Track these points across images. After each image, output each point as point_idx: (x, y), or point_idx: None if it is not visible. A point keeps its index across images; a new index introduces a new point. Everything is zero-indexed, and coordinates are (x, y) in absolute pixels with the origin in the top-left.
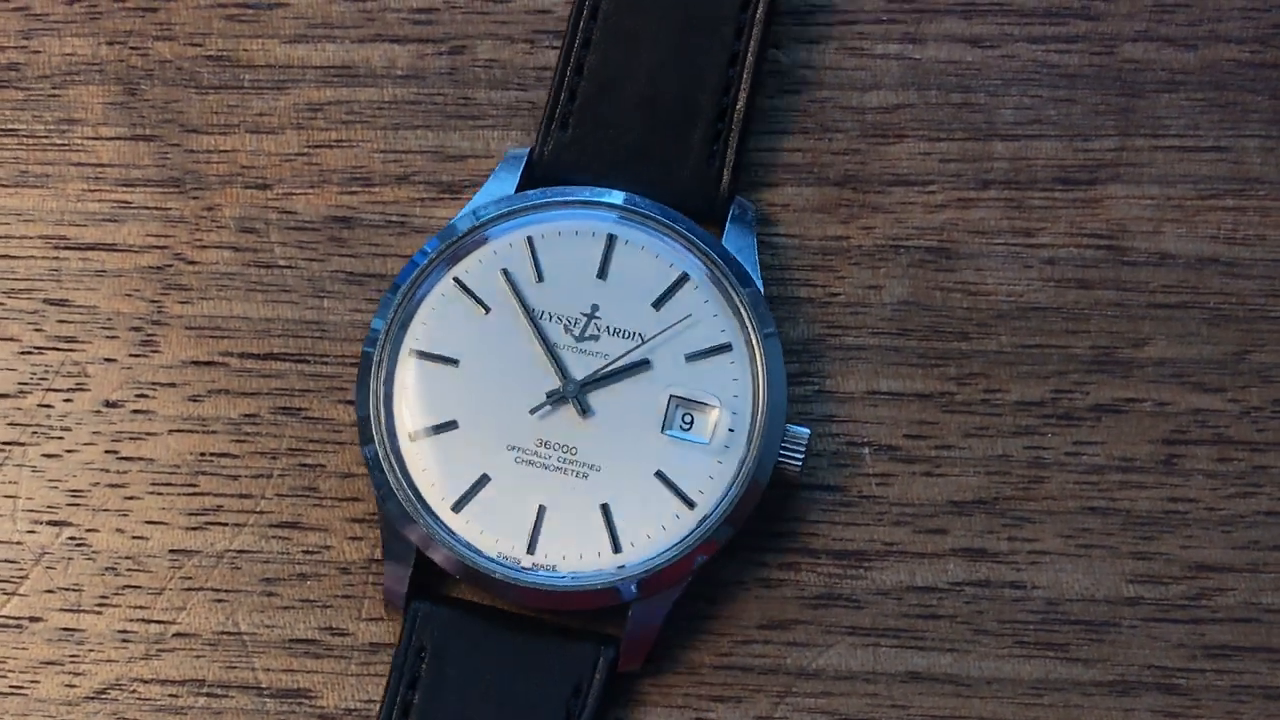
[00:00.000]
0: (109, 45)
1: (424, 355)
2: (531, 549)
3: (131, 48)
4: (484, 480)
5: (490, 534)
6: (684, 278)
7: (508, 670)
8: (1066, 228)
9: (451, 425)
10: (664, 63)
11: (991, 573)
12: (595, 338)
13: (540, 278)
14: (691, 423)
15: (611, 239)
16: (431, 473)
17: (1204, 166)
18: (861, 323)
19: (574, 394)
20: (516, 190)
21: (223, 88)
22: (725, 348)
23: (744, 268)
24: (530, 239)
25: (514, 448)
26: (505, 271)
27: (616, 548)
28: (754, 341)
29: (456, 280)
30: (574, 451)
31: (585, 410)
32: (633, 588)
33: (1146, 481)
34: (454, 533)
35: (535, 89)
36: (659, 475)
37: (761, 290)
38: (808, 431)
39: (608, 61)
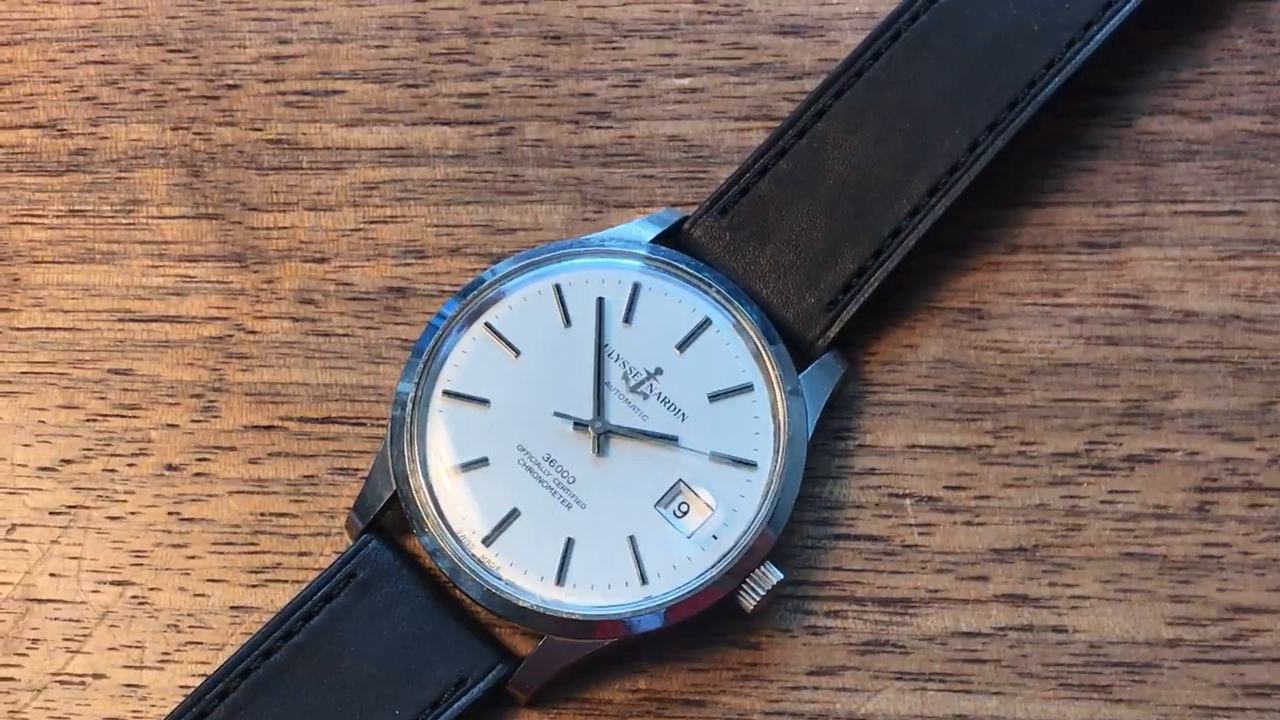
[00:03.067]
0: (173, 131)
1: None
2: (488, 542)
3: (195, 133)
4: (483, 461)
5: (462, 511)
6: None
7: (410, 633)
8: (1094, 288)
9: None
10: (837, 202)
11: (1034, 617)
12: (645, 396)
13: (628, 320)
14: (686, 512)
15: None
16: (443, 435)
17: (1223, 229)
18: (900, 380)
19: (599, 431)
20: (651, 241)
21: (282, 169)
22: (751, 464)
23: (804, 402)
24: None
25: (523, 449)
26: (600, 300)
27: (560, 581)
28: (778, 451)
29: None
30: (572, 480)
31: (601, 451)
32: (555, 623)
33: (1181, 528)
34: (439, 501)
35: (581, 165)
36: (630, 540)
37: (810, 434)
38: (781, 576)
39: (791, 178)
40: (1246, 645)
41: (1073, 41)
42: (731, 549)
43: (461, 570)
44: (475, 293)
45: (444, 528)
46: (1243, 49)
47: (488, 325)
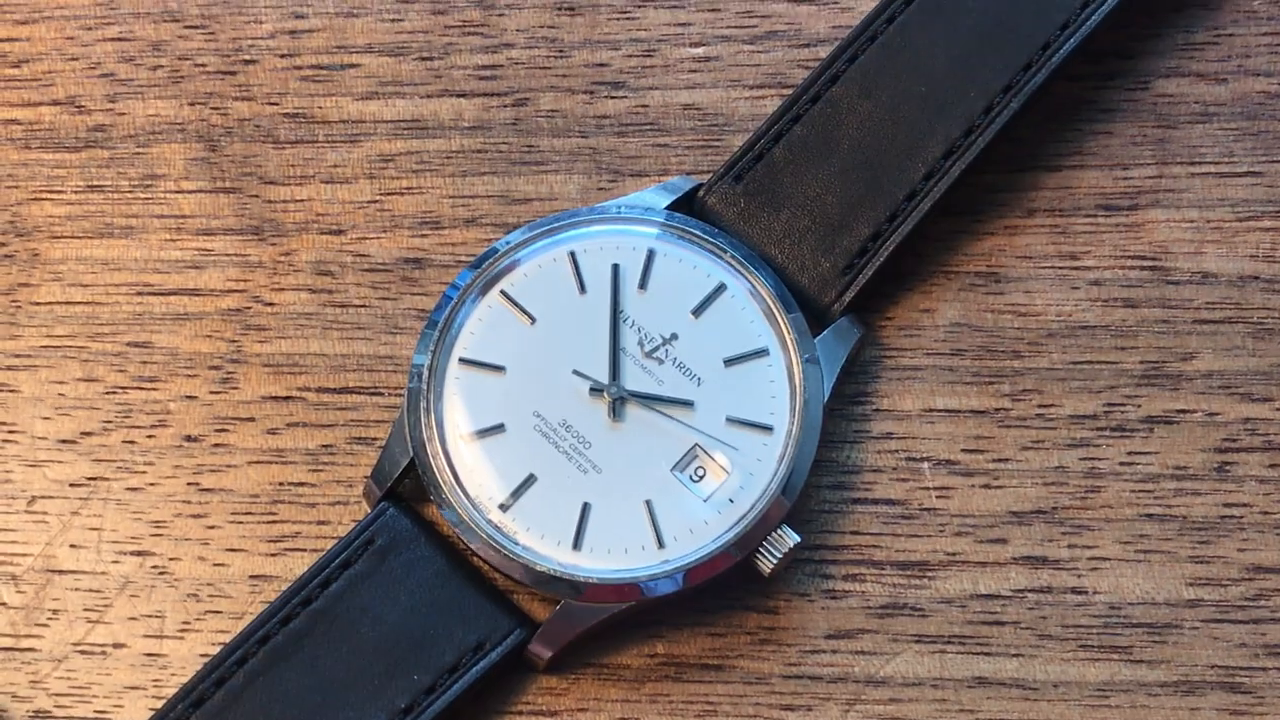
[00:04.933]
0: (190, 106)
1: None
2: (505, 508)
3: (212, 108)
4: (499, 427)
5: (479, 477)
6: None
7: (428, 599)
8: (1111, 251)
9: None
10: (852, 167)
11: (1053, 579)
12: (660, 361)
13: (643, 286)
14: (703, 477)
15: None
16: (458, 402)
17: (1240, 190)
18: (916, 344)
19: (614, 396)
20: (666, 208)
21: (299, 142)
22: (766, 428)
23: (820, 363)
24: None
25: (538, 415)
26: (615, 266)
27: (577, 545)
28: (794, 415)
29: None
30: (587, 445)
31: (617, 416)
32: (572, 587)
33: (1201, 488)
34: (455, 467)
35: (596, 135)
36: (647, 505)
37: (825, 398)
38: (798, 539)
39: (805, 144)
40: (1267, 605)
41: (1087, 3)
42: (748, 512)
43: (479, 535)
44: (489, 261)
45: (461, 494)
46: (1259, 10)
47: (503, 293)
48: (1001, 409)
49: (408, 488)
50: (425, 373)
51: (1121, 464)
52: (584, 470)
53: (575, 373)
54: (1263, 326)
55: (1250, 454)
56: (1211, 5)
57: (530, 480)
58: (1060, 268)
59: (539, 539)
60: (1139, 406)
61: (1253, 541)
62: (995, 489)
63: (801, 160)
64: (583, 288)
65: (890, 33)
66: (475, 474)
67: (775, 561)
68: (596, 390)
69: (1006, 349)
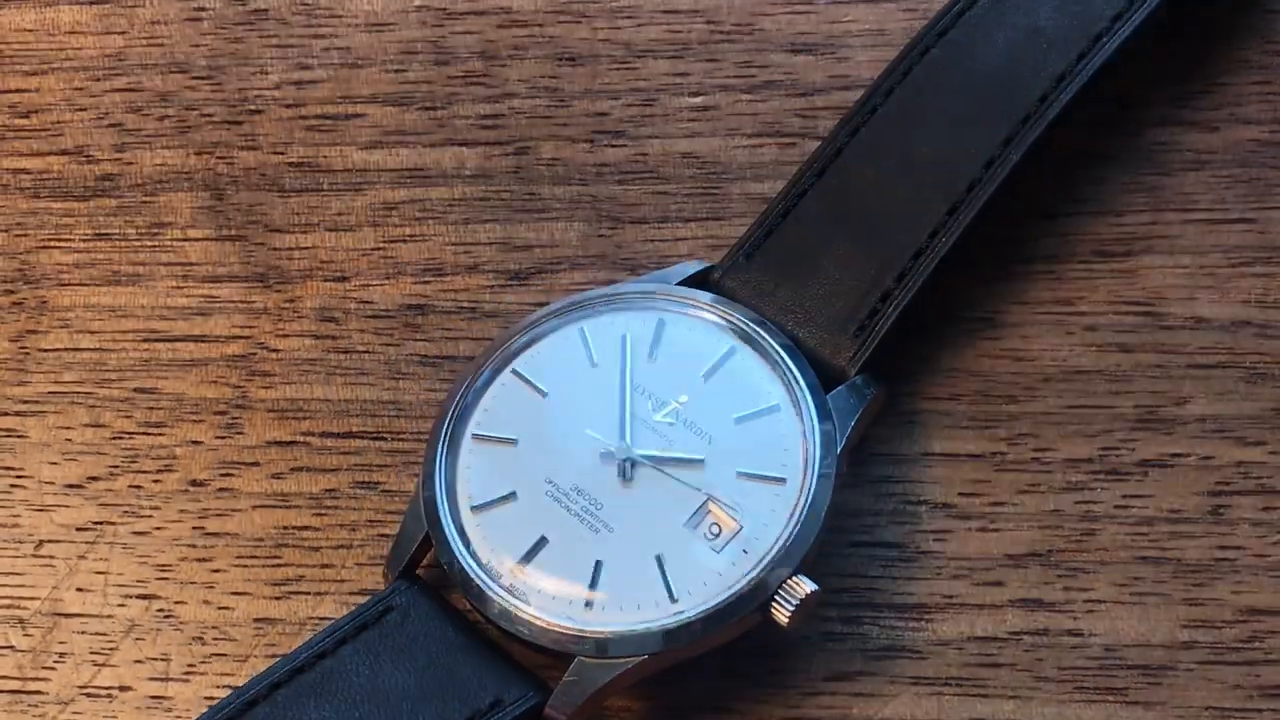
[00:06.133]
0: (197, 155)
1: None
2: (516, 571)
3: (219, 157)
4: (511, 495)
5: (490, 543)
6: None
7: (443, 663)
8: (1105, 296)
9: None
10: (860, 233)
11: (1049, 621)
12: (671, 424)
13: (653, 355)
14: (716, 531)
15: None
16: (470, 476)
17: (1233, 237)
18: (914, 389)
19: (624, 458)
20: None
21: (304, 191)
22: (778, 480)
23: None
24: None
25: (550, 481)
26: (623, 337)
27: (589, 604)
28: (807, 467)
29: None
30: (599, 507)
31: (627, 477)
32: (584, 644)
33: (1195, 531)
34: (468, 536)
35: (596, 183)
36: (658, 559)
37: (839, 448)
38: (815, 587)
39: (813, 215)
40: (1261, 647)
41: (1082, 55)
42: (760, 562)
43: (493, 602)
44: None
45: (474, 562)
46: (1250, 59)
47: (515, 371)
48: (998, 453)
49: (425, 564)
50: (440, 446)
51: (1117, 507)
52: (595, 530)
53: (586, 437)
54: (1255, 371)
55: (1244, 497)
56: (1204, 54)
57: (542, 543)
58: (1056, 313)
59: (550, 599)
60: (1134, 450)
61: (1247, 584)
62: (992, 532)
63: (810, 230)
64: (593, 360)
65: (890, 104)
66: (487, 541)
67: (790, 610)
68: (607, 454)
69: (1003, 394)
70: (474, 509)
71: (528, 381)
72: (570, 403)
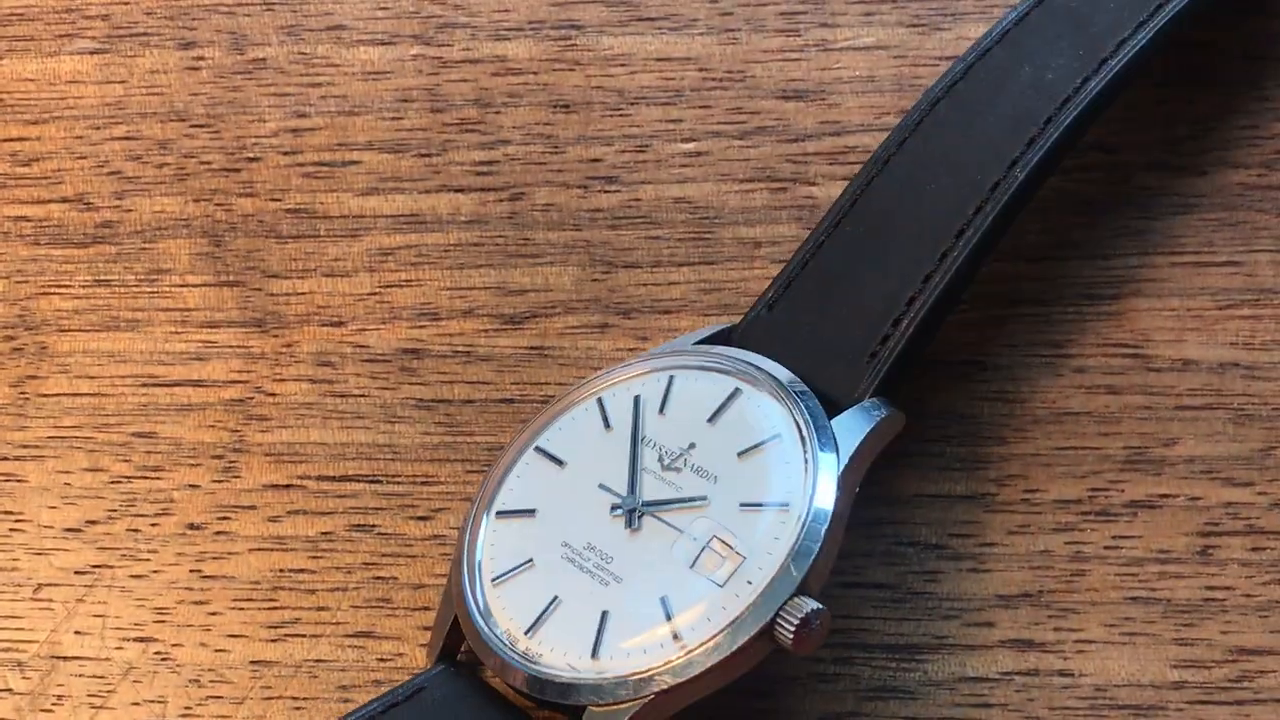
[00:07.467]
0: (195, 202)
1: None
2: (530, 633)
3: (217, 204)
4: (529, 563)
5: (508, 612)
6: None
7: None
8: (1094, 339)
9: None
10: (864, 285)
11: (1040, 662)
12: (679, 470)
13: (663, 410)
14: (720, 565)
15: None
16: (491, 551)
17: (1220, 279)
18: (905, 431)
19: (629, 508)
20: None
21: (301, 237)
22: (780, 507)
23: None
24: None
25: (565, 544)
26: (636, 398)
27: (595, 653)
28: (808, 492)
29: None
30: (610, 560)
31: (634, 526)
32: (591, 692)
33: (1184, 572)
34: (487, 605)
35: (590, 228)
36: (662, 601)
37: (839, 470)
38: (816, 605)
39: (829, 266)
40: (1251, 686)
41: (1065, 102)
42: (762, 589)
43: (511, 670)
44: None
45: (493, 633)
46: (1237, 105)
47: (538, 448)
48: (988, 494)
49: (457, 640)
50: (466, 534)
51: (1106, 548)
52: (605, 584)
53: (598, 495)
54: (1243, 412)
55: (1232, 537)
56: (1192, 99)
57: (554, 603)
58: (1045, 355)
59: (561, 655)
60: (1123, 491)
61: (1235, 624)
62: (983, 573)
63: (826, 275)
64: (607, 425)
65: (883, 176)
66: (505, 611)
67: (792, 630)
68: (616, 508)
69: (993, 435)
70: (494, 581)
71: (548, 455)
72: (585, 467)
